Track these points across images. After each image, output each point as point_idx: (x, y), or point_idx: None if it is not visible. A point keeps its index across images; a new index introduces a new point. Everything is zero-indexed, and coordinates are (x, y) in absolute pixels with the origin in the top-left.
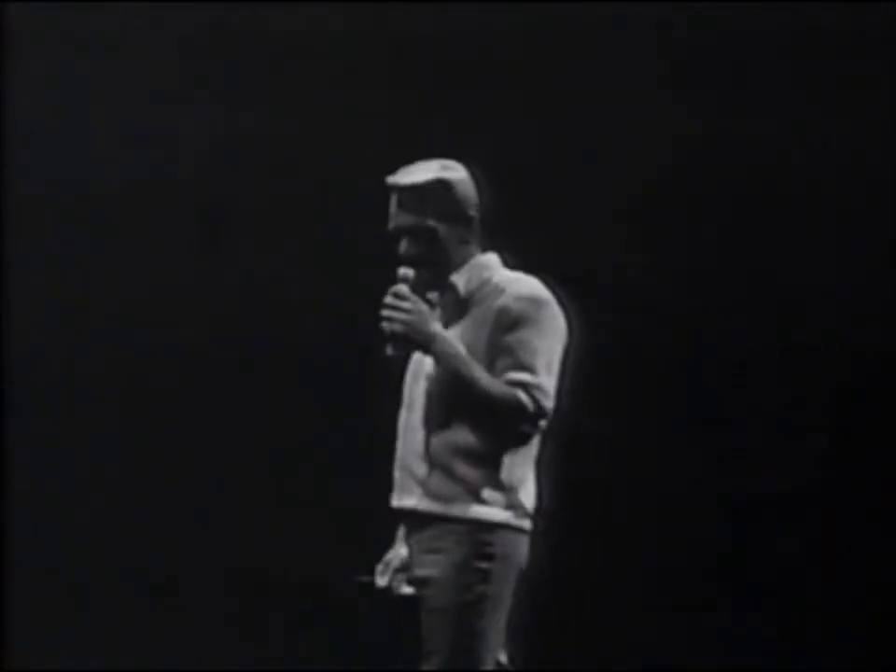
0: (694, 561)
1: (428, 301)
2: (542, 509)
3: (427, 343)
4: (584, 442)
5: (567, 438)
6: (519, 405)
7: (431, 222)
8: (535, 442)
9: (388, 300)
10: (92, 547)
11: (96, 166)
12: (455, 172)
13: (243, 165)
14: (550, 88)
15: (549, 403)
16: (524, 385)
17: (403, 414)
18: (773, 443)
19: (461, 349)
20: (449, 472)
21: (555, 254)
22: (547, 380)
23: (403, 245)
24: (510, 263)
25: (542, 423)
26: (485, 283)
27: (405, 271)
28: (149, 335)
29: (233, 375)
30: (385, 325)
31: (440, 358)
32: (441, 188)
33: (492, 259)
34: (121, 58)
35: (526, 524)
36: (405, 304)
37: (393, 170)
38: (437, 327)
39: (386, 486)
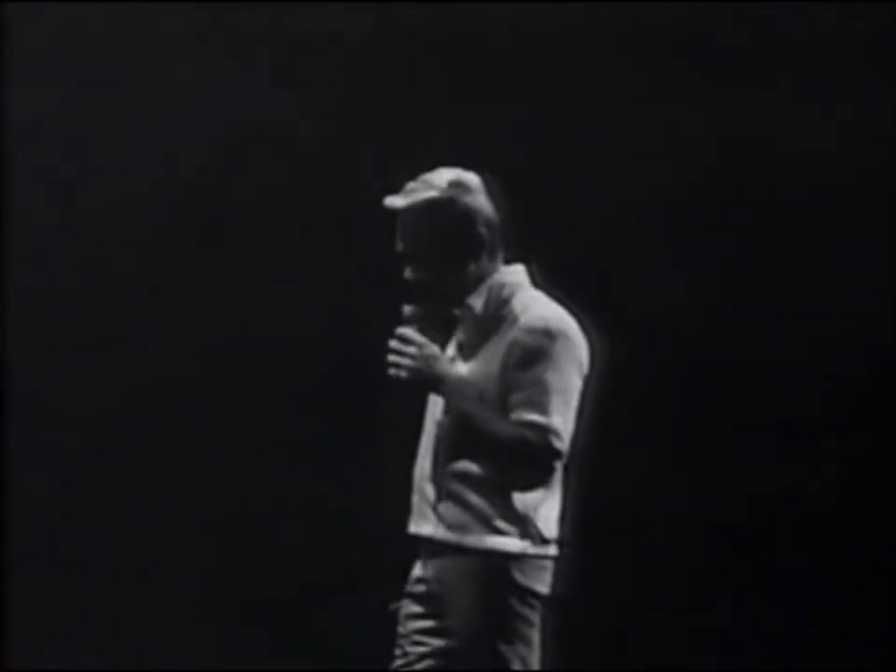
0: (714, 587)
1: (450, 318)
2: (566, 536)
3: (435, 387)
4: (608, 468)
5: (591, 463)
6: (530, 448)
7: (434, 244)
8: (559, 469)
9: (393, 344)
10: (92, 547)
11: (96, 166)
12: (458, 186)
13: (244, 166)
14: (577, 90)
15: (561, 445)
16: (535, 427)
17: (424, 439)
18: (802, 462)
19: (471, 388)
20: (461, 501)
21: (582, 265)
22: (560, 420)
23: (408, 271)
24: (537, 278)
25: (556, 464)
26: (504, 304)
27: (409, 309)
28: (150, 335)
29: (234, 376)
30: (391, 371)
31: (449, 399)
32: (442, 206)
33: (516, 273)
34: (121, 58)
35: (546, 551)
36: (410, 349)
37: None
38: (445, 368)
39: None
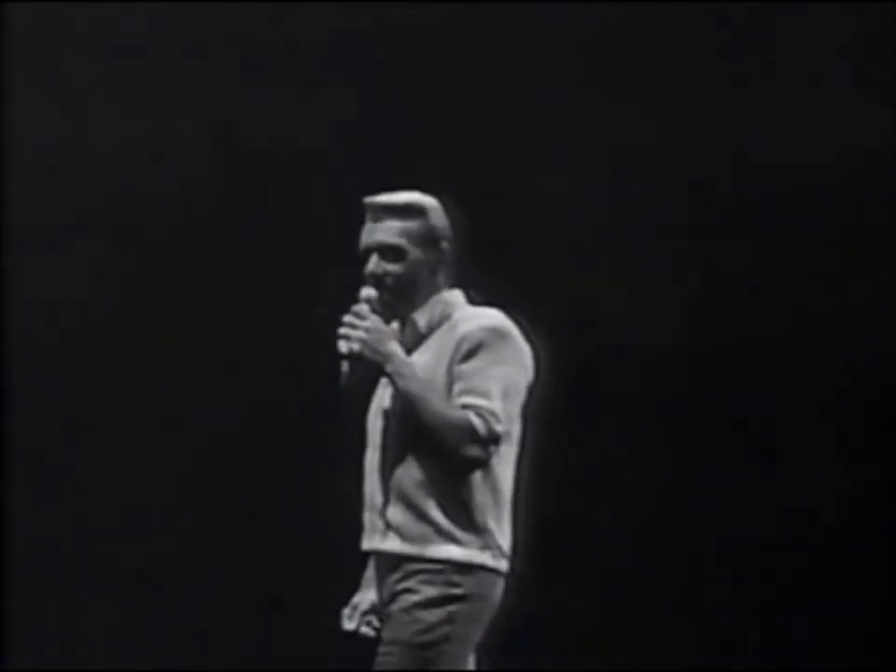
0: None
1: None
2: (517, 549)
3: (382, 362)
4: (558, 481)
5: (540, 477)
6: (470, 428)
7: (403, 242)
8: (509, 482)
9: (347, 318)
10: (92, 547)
11: (96, 166)
12: (430, 201)
13: (244, 166)
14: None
15: (499, 427)
16: (475, 409)
17: (369, 454)
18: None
19: (418, 373)
20: (420, 513)
21: (526, 290)
22: (500, 405)
23: (371, 264)
24: (475, 300)
25: (492, 447)
26: (446, 319)
27: (368, 291)
28: (149, 336)
29: (235, 377)
30: (341, 343)
31: (394, 378)
32: (416, 211)
33: (456, 296)
34: (121, 58)
35: (503, 564)
36: (364, 323)
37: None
38: (395, 347)
39: (356, 529)
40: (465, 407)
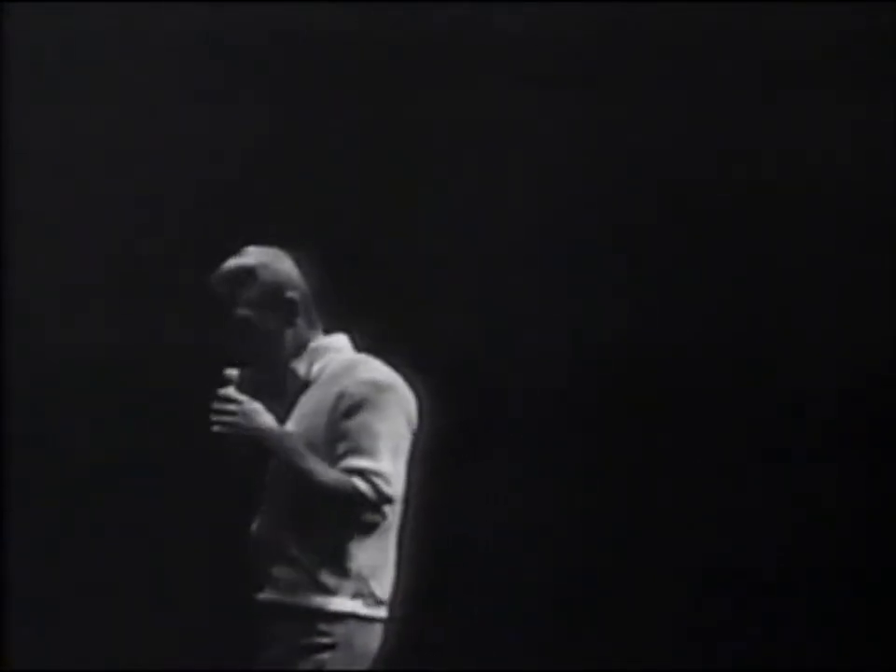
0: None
1: (277, 384)
2: (401, 596)
3: (258, 441)
4: (445, 527)
5: (428, 522)
6: (357, 493)
7: (245, 312)
8: (393, 529)
9: (214, 404)
10: (92, 547)
11: (96, 166)
12: (264, 256)
13: (244, 167)
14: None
15: (389, 489)
16: (361, 472)
17: (261, 501)
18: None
19: (296, 440)
20: (293, 561)
21: (409, 333)
22: (389, 465)
23: (226, 341)
24: (360, 344)
25: (385, 509)
26: (327, 366)
27: (229, 372)
28: (148, 338)
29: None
30: (214, 429)
31: (274, 454)
32: (243, 274)
33: (338, 340)
34: (121, 58)
35: (378, 612)
36: (230, 406)
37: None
38: (266, 421)
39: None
40: (351, 471)
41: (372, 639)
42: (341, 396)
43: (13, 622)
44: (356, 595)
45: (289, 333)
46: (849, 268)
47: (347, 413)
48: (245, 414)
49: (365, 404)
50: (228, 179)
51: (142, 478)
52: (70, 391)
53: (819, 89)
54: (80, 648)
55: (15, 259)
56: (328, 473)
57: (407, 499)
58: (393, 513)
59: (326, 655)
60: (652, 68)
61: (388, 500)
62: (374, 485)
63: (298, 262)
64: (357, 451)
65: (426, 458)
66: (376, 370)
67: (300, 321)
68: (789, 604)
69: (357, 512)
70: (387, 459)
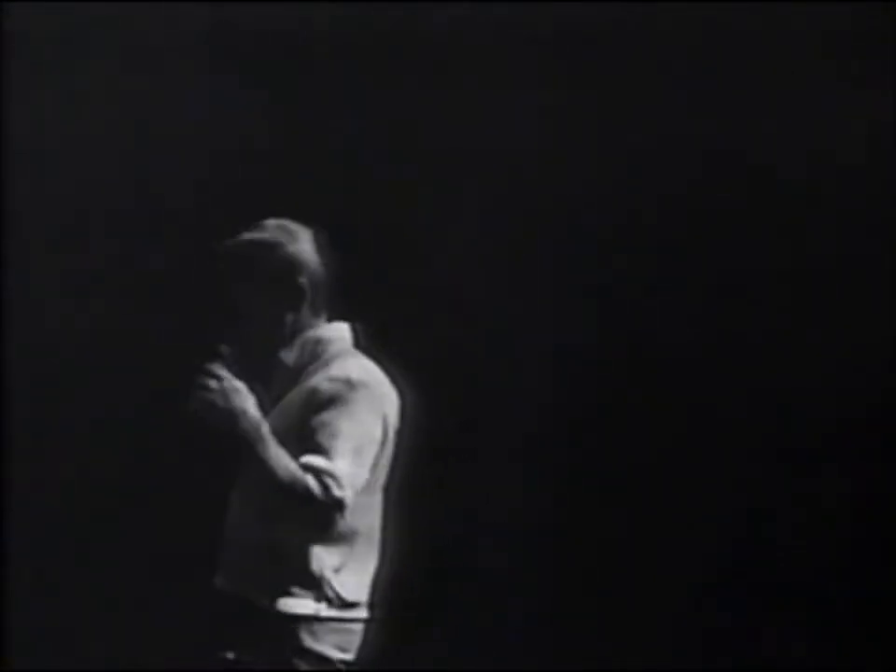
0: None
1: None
2: (379, 597)
3: (230, 423)
4: (424, 527)
5: (406, 522)
6: (307, 492)
7: (246, 288)
8: (367, 530)
9: (198, 378)
10: (92, 547)
11: (96, 166)
12: (285, 232)
13: (245, 167)
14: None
15: (340, 493)
16: (314, 471)
17: (233, 494)
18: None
19: (267, 430)
20: (259, 559)
21: (407, 332)
22: (345, 466)
23: (226, 314)
24: (362, 338)
25: (336, 513)
26: (315, 359)
27: (222, 348)
28: (147, 338)
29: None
30: (192, 404)
31: (244, 438)
32: (265, 249)
33: (336, 331)
34: (121, 58)
35: (346, 614)
36: (211, 383)
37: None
38: (245, 404)
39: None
40: (306, 468)
41: (345, 642)
42: (312, 392)
43: (13, 622)
44: (318, 598)
45: (289, 318)
46: (849, 268)
47: (316, 408)
48: (224, 393)
49: (334, 401)
50: (228, 179)
51: (142, 477)
52: (70, 390)
53: (819, 88)
54: (80, 648)
55: (15, 259)
56: (287, 468)
57: (388, 498)
58: (365, 514)
59: (294, 660)
60: (652, 68)
61: (338, 503)
62: (325, 486)
63: (318, 242)
64: (315, 449)
65: (422, 457)
66: (353, 367)
67: (304, 308)
68: (789, 604)
69: (307, 512)
70: (346, 460)
